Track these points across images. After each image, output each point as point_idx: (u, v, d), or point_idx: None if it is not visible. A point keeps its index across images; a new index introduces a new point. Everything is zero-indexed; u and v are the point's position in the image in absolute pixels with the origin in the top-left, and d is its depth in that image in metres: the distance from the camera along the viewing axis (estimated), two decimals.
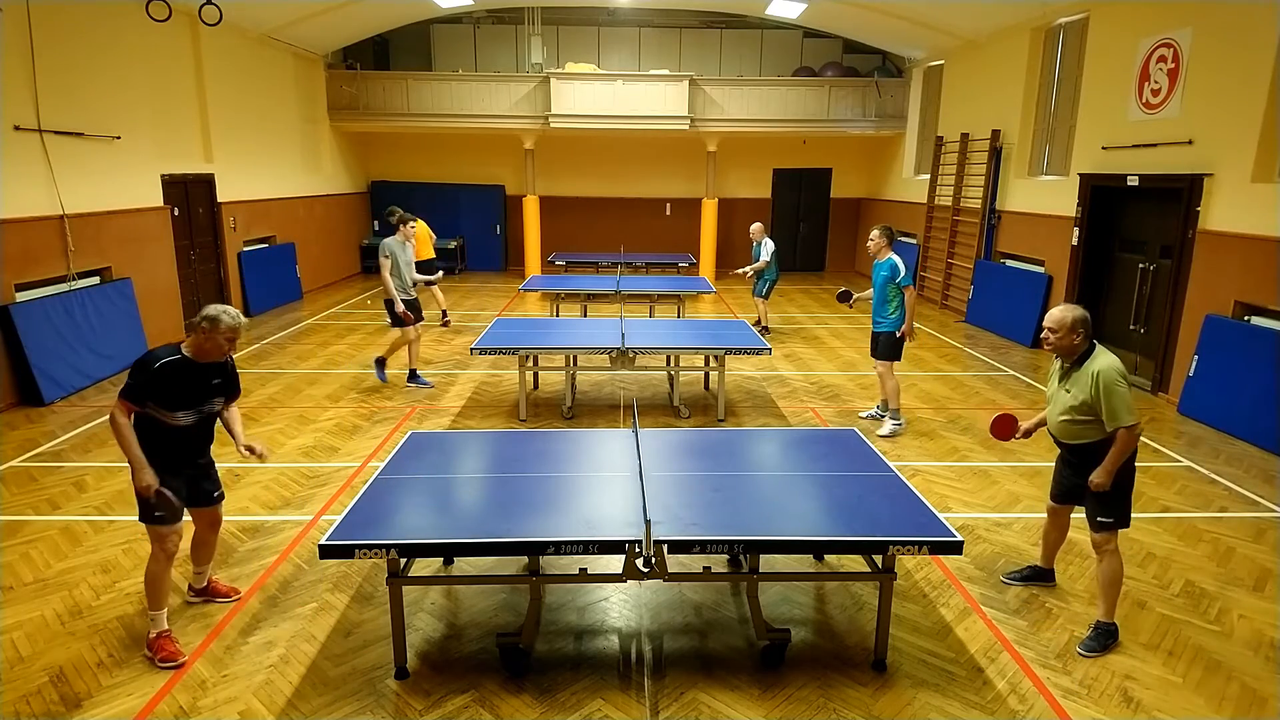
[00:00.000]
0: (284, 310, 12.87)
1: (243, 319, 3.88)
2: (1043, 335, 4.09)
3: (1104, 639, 4.05)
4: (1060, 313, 3.99)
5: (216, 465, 4.17)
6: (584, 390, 8.51)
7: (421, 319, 8.41)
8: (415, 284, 8.53)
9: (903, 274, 6.91)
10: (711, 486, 4.07)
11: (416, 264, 8.78)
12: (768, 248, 10.94)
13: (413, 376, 8.46)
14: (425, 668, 3.80)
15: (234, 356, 4.04)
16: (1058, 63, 11.19)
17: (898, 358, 7.14)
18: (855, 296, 7.75)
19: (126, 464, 3.73)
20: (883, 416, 7.29)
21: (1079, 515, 4.23)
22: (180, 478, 3.89)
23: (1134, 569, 4.82)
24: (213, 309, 3.78)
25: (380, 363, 8.52)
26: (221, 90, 11.55)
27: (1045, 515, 4.56)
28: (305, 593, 4.46)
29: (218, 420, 4.09)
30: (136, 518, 3.85)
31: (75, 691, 3.61)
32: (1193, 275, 8.17)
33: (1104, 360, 3.92)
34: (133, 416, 3.74)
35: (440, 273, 9.02)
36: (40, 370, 7.74)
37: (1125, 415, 3.82)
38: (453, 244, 16.76)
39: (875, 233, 7.08)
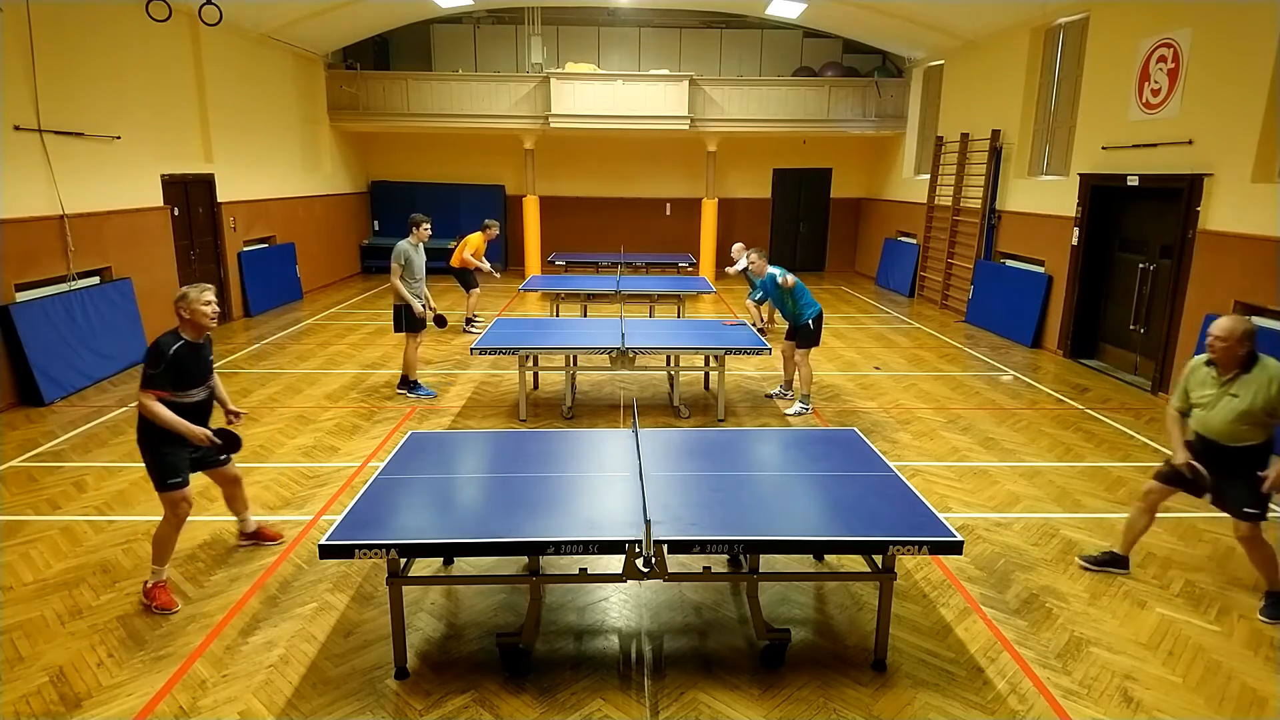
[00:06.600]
0: (284, 310, 12.88)
1: (206, 285, 4.33)
2: (1209, 342, 4.15)
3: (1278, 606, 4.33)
4: (1231, 323, 4.09)
5: None
6: (584, 390, 8.50)
7: (424, 327, 8.23)
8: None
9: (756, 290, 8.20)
10: (711, 486, 4.07)
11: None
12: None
13: (413, 385, 8.16)
14: (425, 668, 3.80)
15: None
16: (1058, 63, 11.18)
17: (807, 347, 7.81)
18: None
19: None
20: (786, 395, 8.15)
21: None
22: (190, 446, 4.28)
23: (1134, 569, 4.82)
24: (180, 291, 4.26)
25: (409, 384, 8.10)
26: (221, 90, 11.55)
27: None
28: (305, 593, 4.46)
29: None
30: (156, 488, 4.23)
31: (75, 691, 3.61)
32: (1193, 275, 8.17)
33: (1277, 367, 4.05)
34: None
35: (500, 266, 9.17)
36: (40, 370, 7.73)
37: None
38: (452, 244, 16.72)
39: (754, 255, 8.01)
